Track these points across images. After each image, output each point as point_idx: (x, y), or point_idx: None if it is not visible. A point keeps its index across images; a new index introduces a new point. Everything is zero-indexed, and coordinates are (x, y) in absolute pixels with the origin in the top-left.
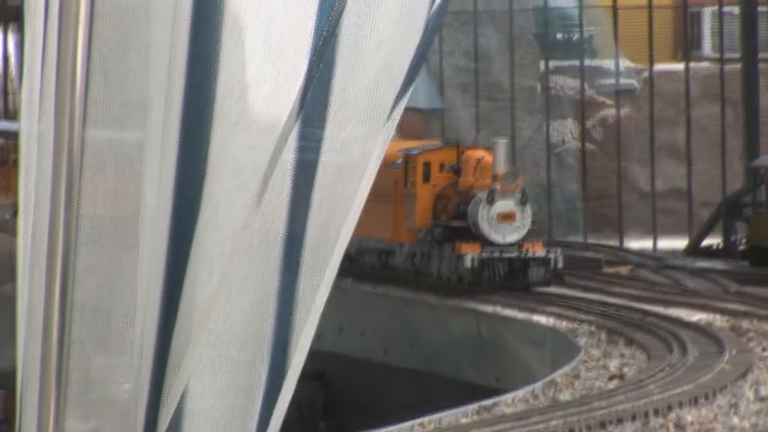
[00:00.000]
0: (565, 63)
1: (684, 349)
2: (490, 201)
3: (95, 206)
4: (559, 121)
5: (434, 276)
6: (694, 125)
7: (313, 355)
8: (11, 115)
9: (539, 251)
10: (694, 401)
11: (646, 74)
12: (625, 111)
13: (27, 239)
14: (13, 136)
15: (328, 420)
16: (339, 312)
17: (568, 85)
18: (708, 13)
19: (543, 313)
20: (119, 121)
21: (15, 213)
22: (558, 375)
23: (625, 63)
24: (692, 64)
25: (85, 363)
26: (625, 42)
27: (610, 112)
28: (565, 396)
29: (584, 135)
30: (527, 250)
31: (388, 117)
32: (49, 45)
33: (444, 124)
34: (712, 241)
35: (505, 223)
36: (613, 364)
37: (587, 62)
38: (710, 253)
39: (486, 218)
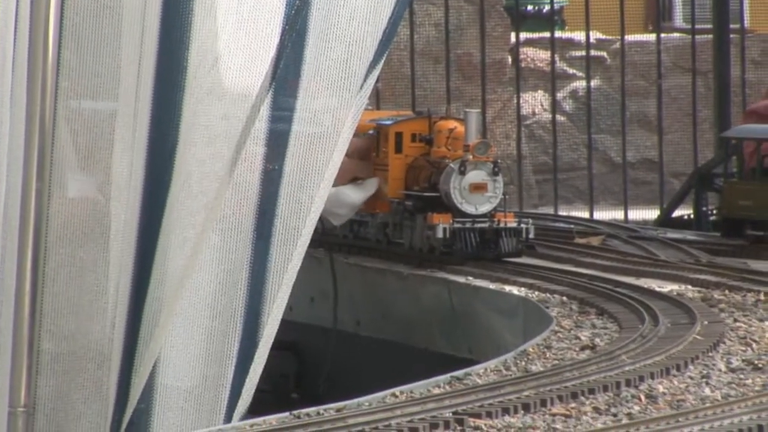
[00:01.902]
0: (536, 35)
1: (655, 320)
2: (462, 171)
3: (68, 176)
4: (530, 93)
5: (406, 246)
6: (666, 96)
7: (285, 325)
8: None
9: (511, 222)
10: (666, 372)
11: (617, 45)
12: (595, 82)
13: None
14: None
15: (300, 390)
16: (311, 282)
17: (538, 56)
18: None
19: (515, 283)
20: (92, 91)
21: None
22: (530, 345)
23: (596, 35)
24: (663, 35)
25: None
26: (596, 13)
27: (580, 84)
28: (536, 366)
29: (555, 106)
30: (499, 221)
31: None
32: (21, 15)
33: (415, 95)
34: (684, 211)
35: (476, 194)
36: (585, 335)
37: (558, 34)
38: (681, 223)
39: (458, 189)
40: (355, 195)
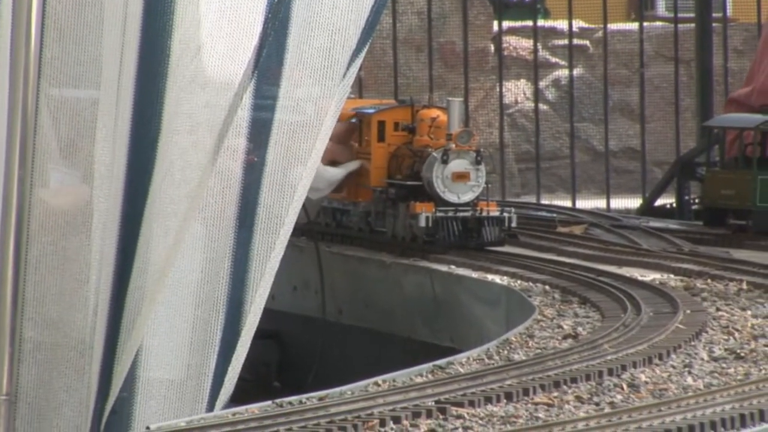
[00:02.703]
0: (519, 23)
1: (638, 309)
2: (445, 160)
3: (50, 161)
4: (513, 82)
5: (389, 235)
6: (648, 85)
7: (268, 314)
8: None
9: (493, 211)
10: (648, 361)
11: (599, 34)
12: (578, 71)
13: None
14: None
15: (282, 379)
16: (293, 271)
17: (521, 45)
18: None
19: (497, 272)
20: (74, 79)
21: None
22: (512, 334)
23: (578, 23)
24: (646, 24)
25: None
26: (579, 2)
27: (563, 73)
28: (519, 355)
29: (537, 95)
30: (482, 210)
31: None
32: (3, 3)
33: (397, 84)
34: (666, 200)
35: (459, 183)
36: (567, 324)
37: (540, 23)
38: (664, 212)
39: (440, 177)
40: (334, 170)
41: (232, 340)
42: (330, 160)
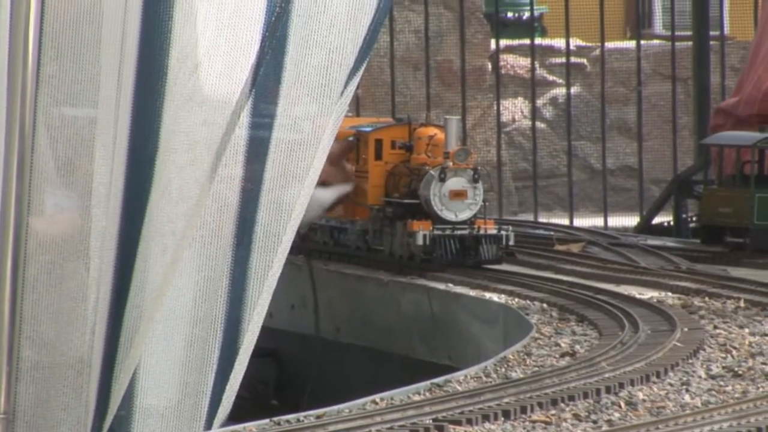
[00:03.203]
0: (516, 42)
1: (635, 327)
2: (442, 178)
3: (47, 183)
4: (510, 100)
5: (386, 253)
6: (645, 103)
7: (265, 332)
8: None
9: (491, 229)
10: (646, 379)
11: (597, 52)
12: (575, 89)
13: None
14: None
15: (280, 397)
16: (291, 289)
17: (518, 63)
18: None
19: (495, 290)
20: (72, 97)
21: None
22: (510, 352)
23: (575, 42)
24: (643, 42)
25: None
26: (576, 20)
27: (560, 91)
28: (516, 373)
29: (534, 113)
30: (479, 228)
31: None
32: (1, 20)
33: (395, 102)
34: (663, 218)
35: (456, 201)
36: (565, 342)
37: (537, 41)
38: (661, 230)
39: (438, 195)
40: (324, 194)
41: (230, 359)
42: (322, 181)
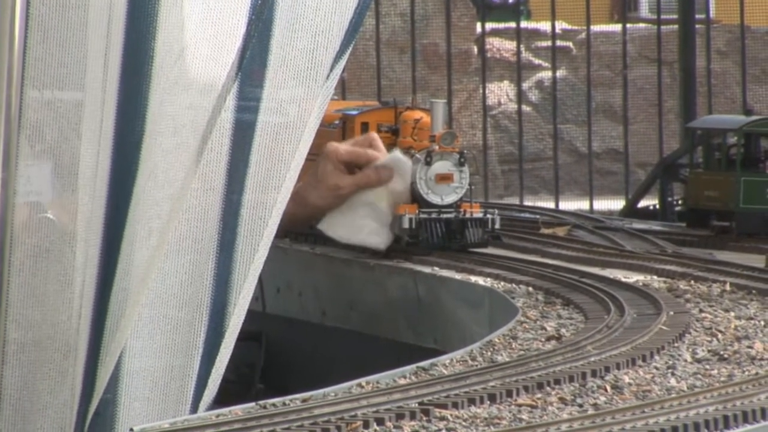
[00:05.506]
0: (502, 25)
1: (621, 311)
2: (428, 162)
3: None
4: (496, 84)
5: None
6: (631, 86)
7: (251, 315)
8: None
9: (477, 212)
10: (632, 362)
11: (582, 36)
12: (561, 73)
13: None
14: None
15: (265, 381)
16: (276, 273)
17: (504, 47)
18: None
19: (480, 274)
20: (58, 81)
21: None
22: (496, 336)
23: (561, 25)
24: (629, 26)
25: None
26: (562, 4)
27: (546, 74)
28: (502, 357)
29: (520, 97)
30: (465, 211)
31: (327, 78)
32: None
33: (381, 85)
34: (649, 202)
35: (443, 184)
36: (551, 325)
37: (523, 24)
38: (647, 214)
39: (424, 179)
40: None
41: (215, 342)
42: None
